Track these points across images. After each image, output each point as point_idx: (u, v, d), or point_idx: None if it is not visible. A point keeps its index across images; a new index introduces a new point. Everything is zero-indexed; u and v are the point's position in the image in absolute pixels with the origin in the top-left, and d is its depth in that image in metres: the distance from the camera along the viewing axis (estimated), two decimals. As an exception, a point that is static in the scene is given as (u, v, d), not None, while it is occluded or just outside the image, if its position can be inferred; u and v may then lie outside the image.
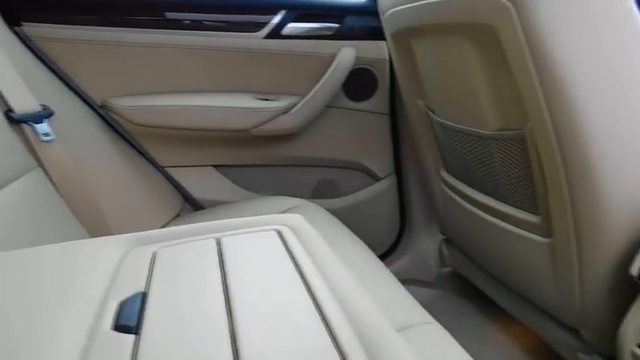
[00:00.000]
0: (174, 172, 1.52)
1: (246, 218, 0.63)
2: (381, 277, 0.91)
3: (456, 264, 1.58)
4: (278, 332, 0.35)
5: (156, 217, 1.39)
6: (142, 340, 0.35)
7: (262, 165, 1.65)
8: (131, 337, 0.35)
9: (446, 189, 1.38)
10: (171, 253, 0.50)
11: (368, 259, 1.00)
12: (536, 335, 1.38)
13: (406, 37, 1.23)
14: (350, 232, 1.19)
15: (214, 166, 1.56)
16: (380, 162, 1.68)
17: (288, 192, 1.62)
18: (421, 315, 0.79)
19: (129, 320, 0.37)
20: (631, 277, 0.82)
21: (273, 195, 1.59)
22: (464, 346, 1.48)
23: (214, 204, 1.56)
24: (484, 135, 1.04)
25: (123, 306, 0.39)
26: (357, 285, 0.44)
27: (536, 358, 1.31)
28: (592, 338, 0.98)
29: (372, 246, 1.80)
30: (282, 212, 1.26)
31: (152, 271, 0.46)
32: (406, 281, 1.83)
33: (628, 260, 0.84)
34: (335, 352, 0.33)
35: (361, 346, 0.34)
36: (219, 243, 0.53)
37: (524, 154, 0.96)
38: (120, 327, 0.36)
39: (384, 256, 1.80)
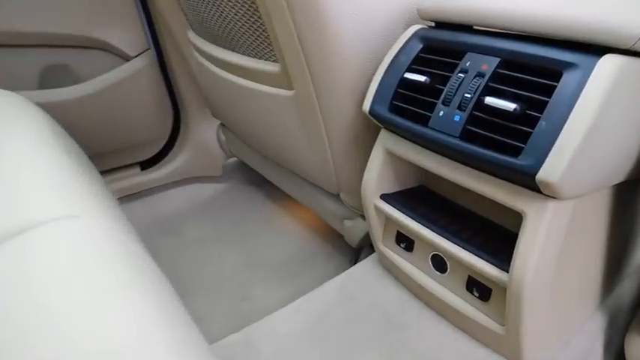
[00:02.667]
0: None
1: None
2: (46, 171, 0.62)
3: (234, 149, 1.37)
4: None
5: None
6: None
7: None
8: None
9: (196, 54, 1.10)
10: None
11: (49, 154, 0.68)
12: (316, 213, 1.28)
13: None
14: (54, 126, 0.85)
15: None
16: (129, 35, 1.30)
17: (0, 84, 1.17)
18: (68, 210, 0.52)
19: None
20: (367, 122, 0.67)
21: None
22: (254, 232, 1.35)
23: None
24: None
25: None
26: None
27: (317, 235, 1.21)
28: (349, 200, 0.86)
29: (144, 142, 1.50)
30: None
31: None
32: (193, 179, 1.60)
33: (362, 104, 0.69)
34: None
35: None
36: None
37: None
38: None
39: (162, 154, 1.50)
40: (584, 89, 0.44)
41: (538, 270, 0.50)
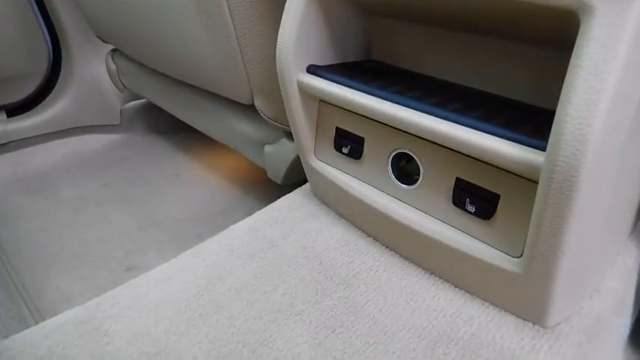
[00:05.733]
0: None
1: None
2: None
3: (128, 81, 1.05)
4: None
5: None
6: None
7: None
8: None
9: None
10: None
11: None
12: (234, 161, 1.01)
13: None
14: None
15: None
16: None
17: None
18: None
19: None
20: None
21: None
22: (155, 187, 1.03)
23: None
24: None
25: None
26: None
27: (235, 187, 0.94)
28: (267, 108, 0.59)
29: (10, 80, 1.13)
30: None
31: None
32: (81, 130, 1.26)
33: None
34: None
35: None
36: None
37: None
38: None
39: (38, 97, 1.15)
40: None
41: (608, 131, 0.25)
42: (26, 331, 0.41)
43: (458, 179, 0.36)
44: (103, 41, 1.02)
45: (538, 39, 0.31)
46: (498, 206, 0.34)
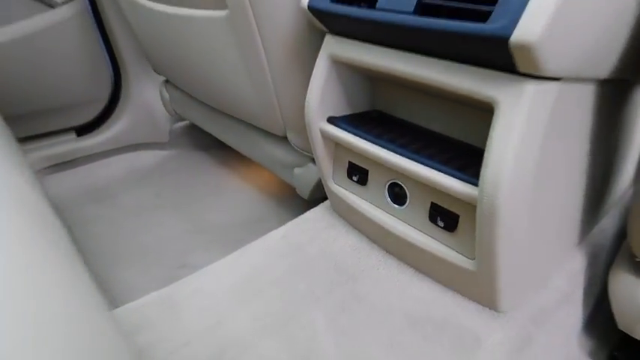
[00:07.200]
0: None
1: None
2: None
3: (178, 108, 1.22)
4: None
5: None
6: None
7: None
8: None
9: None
10: None
11: None
12: (268, 175, 1.16)
13: None
14: None
15: None
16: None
17: None
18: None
19: None
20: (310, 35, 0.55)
21: None
22: (200, 197, 1.21)
23: None
24: None
25: None
26: None
27: (269, 199, 1.09)
28: (297, 140, 0.74)
29: (80, 105, 1.33)
30: None
31: None
32: (137, 146, 1.45)
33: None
34: None
35: None
36: None
37: None
38: None
39: (101, 118, 1.34)
40: None
41: (515, 176, 0.39)
42: (125, 306, 0.57)
43: (432, 203, 0.50)
44: (158, 73, 1.20)
45: (484, 108, 0.45)
46: (459, 223, 0.48)
